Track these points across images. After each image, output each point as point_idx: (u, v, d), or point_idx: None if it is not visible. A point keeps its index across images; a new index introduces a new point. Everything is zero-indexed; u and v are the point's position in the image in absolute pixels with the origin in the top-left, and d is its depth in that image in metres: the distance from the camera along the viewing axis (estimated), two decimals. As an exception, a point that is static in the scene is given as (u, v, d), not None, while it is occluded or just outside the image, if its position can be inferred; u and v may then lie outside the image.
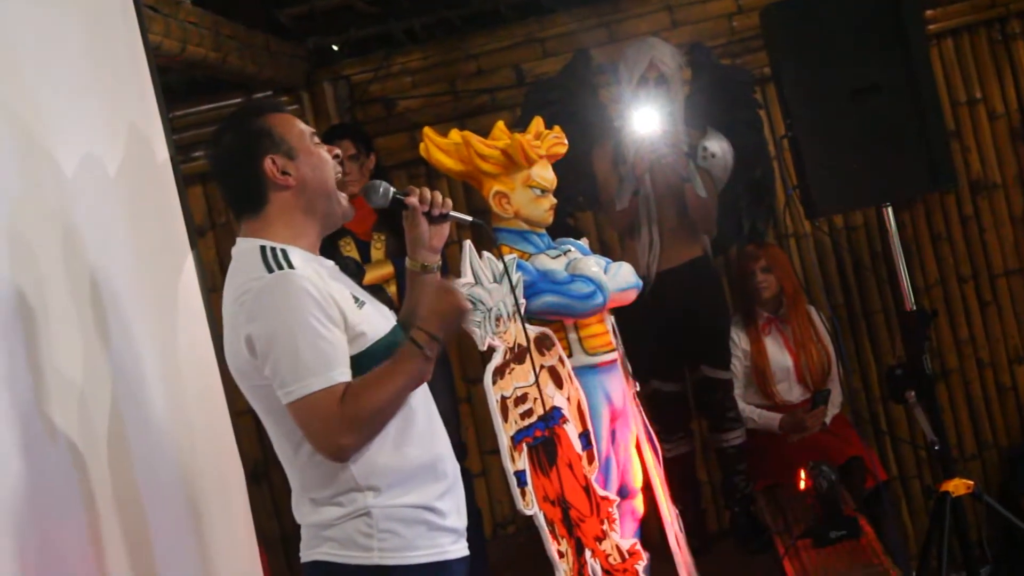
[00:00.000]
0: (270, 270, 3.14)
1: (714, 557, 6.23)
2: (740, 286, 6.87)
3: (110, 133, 3.98)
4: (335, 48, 7.25)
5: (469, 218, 3.67)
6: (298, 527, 3.34)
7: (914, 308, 5.66)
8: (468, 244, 4.18)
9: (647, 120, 6.17)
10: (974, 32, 7.29)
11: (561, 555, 4.24)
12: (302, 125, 3.37)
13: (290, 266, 3.15)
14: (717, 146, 6.42)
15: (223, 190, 3.41)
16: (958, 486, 5.43)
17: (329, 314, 3.12)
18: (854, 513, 5.86)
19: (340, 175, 3.38)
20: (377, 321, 3.30)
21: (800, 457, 6.28)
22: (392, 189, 3.44)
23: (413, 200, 3.46)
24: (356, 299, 3.26)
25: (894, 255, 5.71)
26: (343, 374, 3.12)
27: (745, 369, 6.72)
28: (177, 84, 6.77)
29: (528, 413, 4.25)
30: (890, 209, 5.68)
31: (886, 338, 7.29)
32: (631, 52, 6.46)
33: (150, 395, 3.87)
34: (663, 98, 6.31)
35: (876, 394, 7.32)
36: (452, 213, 3.52)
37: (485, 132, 4.83)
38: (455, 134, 4.75)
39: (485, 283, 4.20)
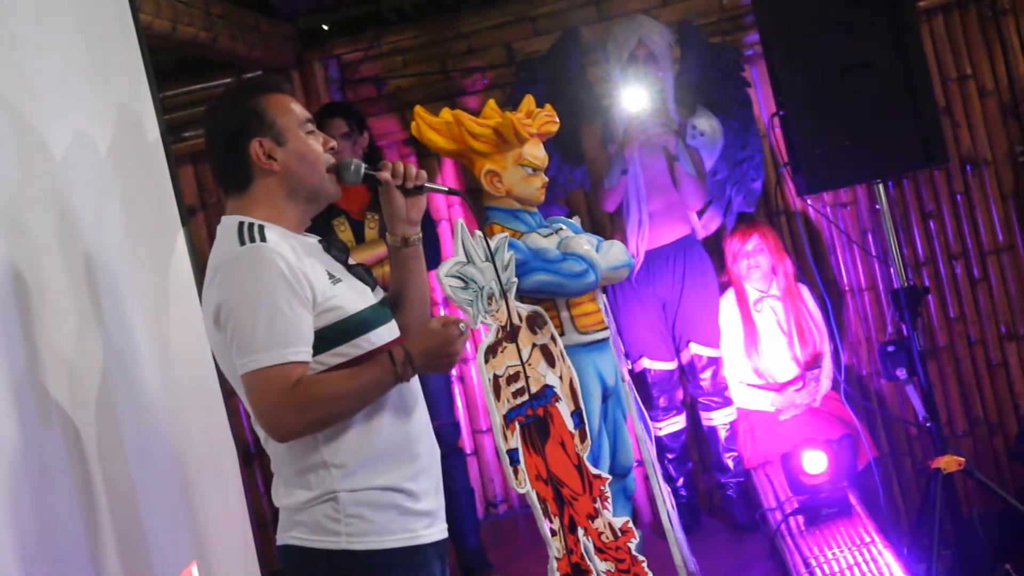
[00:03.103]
0: (242, 243, 3.13)
1: (706, 535, 6.25)
2: (730, 264, 6.88)
3: (101, 113, 3.98)
4: (325, 28, 7.23)
5: (445, 188, 3.64)
6: None
7: (905, 285, 5.66)
8: (460, 222, 4.17)
9: (636, 98, 6.18)
10: (964, 8, 7.28)
11: (554, 533, 4.25)
12: (298, 109, 3.33)
13: (263, 239, 3.13)
14: (706, 124, 6.43)
15: (211, 165, 3.39)
16: (949, 463, 5.45)
17: (296, 291, 3.10)
18: (846, 490, 5.87)
19: (333, 164, 3.34)
20: (352, 297, 3.27)
21: (792, 435, 6.30)
22: (364, 166, 3.39)
23: (386, 175, 3.41)
24: (331, 276, 3.25)
25: (885, 232, 5.72)
26: (297, 353, 3.09)
27: (736, 347, 6.73)
28: (168, 64, 6.76)
29: (520, 392, 4.25)
30: (881, 186, 5.69)
31: (877, 315, 7.30)
32: (620, 30, 6.46)
33: (142, 374, 3.88)
34: (652, 76, 6.31)
35: (867, 371, 7.33)
36: (427, 184, 3.46)
37: (476, 111, 4.83)
38: (446, 113, 4.75)
39: (477, 262, 4.20)
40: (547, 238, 4.75)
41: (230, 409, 4.45)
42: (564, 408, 4.46)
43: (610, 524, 4.51)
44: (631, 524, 4.61)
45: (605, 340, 4.86)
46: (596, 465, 4.59)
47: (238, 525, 4.45)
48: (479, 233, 4.24)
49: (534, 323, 4.47)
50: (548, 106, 4.89)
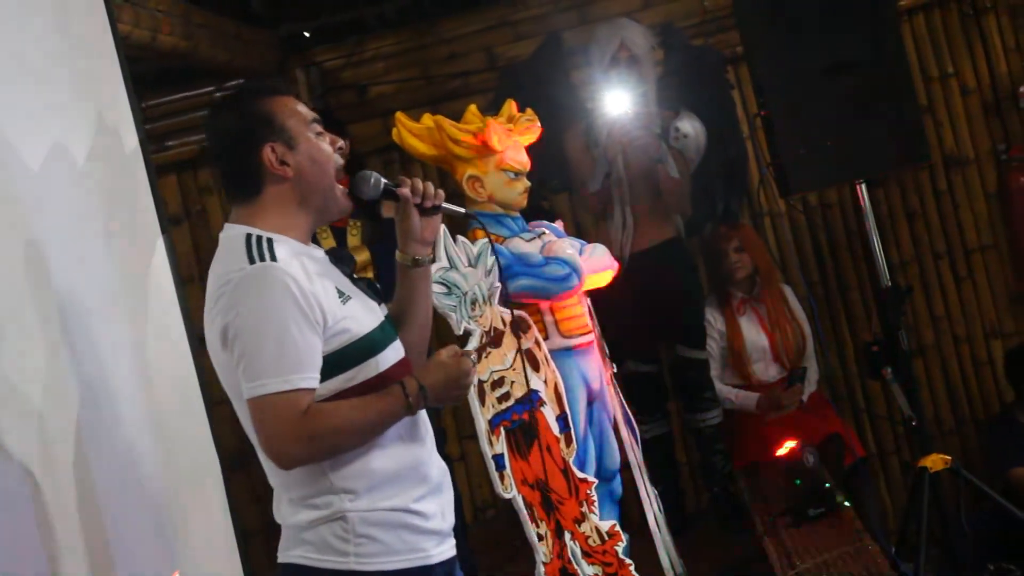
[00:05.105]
0: (252, 261, 3.02)
1: (693, 537, 6.23)
2: (714, 266, 6.88)
3: (79, 124, 3.95)
4: (306, 35, 7.22)
5: (462, 210, 3.52)
6: None
7: (889, 285, 5.67)
8: (443, 228, 4.16)
9: (619, 102, 6.18)
10: (945, 7, 7.31)
11: (540, 538, 4.25)
12: (305, 110, 3.24)
13: (273, 258, 3.03)
14: (689, 126, 6.43)
15: (219, 173, 3.26)
16: (936, 461, 5.45)
17: (306, 314, 3.00)
18: (833, 490, 5.87)
19: (340, 166, 3.25)
20: (362, 316, 3.17)
21: (778, 436, 6.29)
22: (384, 180, 3.29)
23: (405, 191, 3.30)
24: (341, 293, 3.15)
25: (869, 232, 5.72)
26: (305, 380, 2.99)
27: (721, 349, 6.73)
28: (148, 73, 6.74)
29: (505, 396, 4.25)
30: (864, 186, 5.69)
31: (862, 315, 7.31)
32: (602, 33, 6.46)
33: (121, 387, 3.84)
34: (635, 79, 6.31)
35: (853, 371, 7.34)
36: (445, 205, 3.38)
37: (458, 116, 4.82)
38: (427, 119, 4.74)
39: (460, 267, 4.19)
40: (530, 242, 4.75)
41: (213, 419, 4.42)
42: (549, 413, 4.45)
43: (597, 528, 4.51)
44: (618, 527, 4.60)
45: (590, 344, 4.86)
46: (582, 469, 4.58)
47: (222, 536, 4.43)
48: (462, 238, 4.24)
49: (518, 328, 4.47)
50: (529, 110, 4.88)
